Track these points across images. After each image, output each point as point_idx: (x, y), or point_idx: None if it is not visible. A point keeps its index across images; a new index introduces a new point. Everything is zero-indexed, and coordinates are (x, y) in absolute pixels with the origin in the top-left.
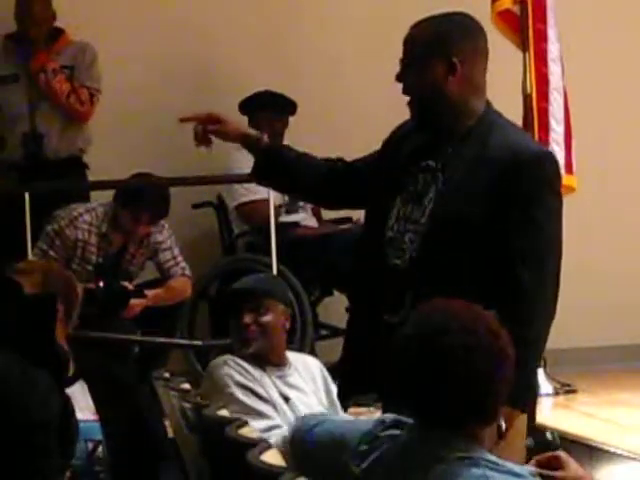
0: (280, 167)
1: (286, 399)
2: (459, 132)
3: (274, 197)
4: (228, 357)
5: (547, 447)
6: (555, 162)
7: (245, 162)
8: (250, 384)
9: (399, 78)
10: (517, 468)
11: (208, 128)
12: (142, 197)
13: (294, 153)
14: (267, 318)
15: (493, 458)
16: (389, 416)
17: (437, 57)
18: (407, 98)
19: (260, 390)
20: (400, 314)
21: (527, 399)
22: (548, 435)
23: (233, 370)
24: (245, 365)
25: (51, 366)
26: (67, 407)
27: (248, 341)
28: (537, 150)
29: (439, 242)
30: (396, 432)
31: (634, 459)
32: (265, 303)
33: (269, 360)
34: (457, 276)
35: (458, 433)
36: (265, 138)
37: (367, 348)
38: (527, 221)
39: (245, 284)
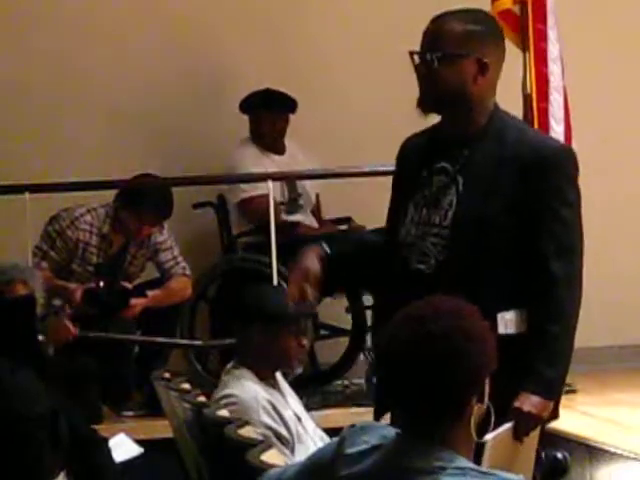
0: (343, 272)
1: (299, 418)
2: (473, 132)
3: (275, 194)
4: (261, 396)
5: (554, 466)
6: (574, 157)
7: (247, 159)
8: (277, 427)
9: (420, 69)
10: (508, 475)
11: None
12: (145, 199)
13: (349, 248)
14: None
15: (479, 467)
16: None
17: (470, 56)
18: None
19: (283, 431)
20: None
21: (560, 391)
22: (559, 455)
23: (265, 413)
24: (273, 401)
25: (35, 365)
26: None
27: (300, 362)
28: (557, 146)
29: (465, 245)
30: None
31: (634, 459)
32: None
33: (274, 374)
34: (484, 277)
35: (437, 441)
36: (322, 252)
37: None
38: (554, 217)
39: (306, 307)
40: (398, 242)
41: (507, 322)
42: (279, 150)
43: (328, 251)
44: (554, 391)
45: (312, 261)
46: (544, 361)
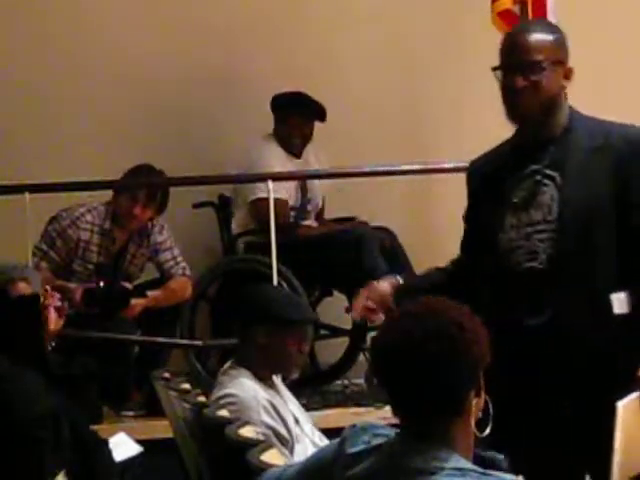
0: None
1: (296, 420)
2: (557, 131)
3: (289, 198)
4: (260, 395)
5: None
6: None
7: (274, 159)
8: (277, 426)
9: (516, 83)
10: (506, 475)
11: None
12: (139, 178)
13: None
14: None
15: (479, 468)
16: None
17: (561, 63)
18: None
19: (283, 431)
20: (543, 315)
21: None
22: None
23: (265, 412)
24: (273, 402)
25: (36, 365)
26: (57, 408)
27: (297, 368)
28: None
29: (574, 233)
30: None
31: None
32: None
33: (271, 376)
34: (596, 261)
35: (436, 439)
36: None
37: (509, 353)
38: None
39: (311, 313)
40: (499, 252)
41: (621, 302)
42: (298, 154)
43: (400, 281)
44: None
45: (382, 283)
46: None
